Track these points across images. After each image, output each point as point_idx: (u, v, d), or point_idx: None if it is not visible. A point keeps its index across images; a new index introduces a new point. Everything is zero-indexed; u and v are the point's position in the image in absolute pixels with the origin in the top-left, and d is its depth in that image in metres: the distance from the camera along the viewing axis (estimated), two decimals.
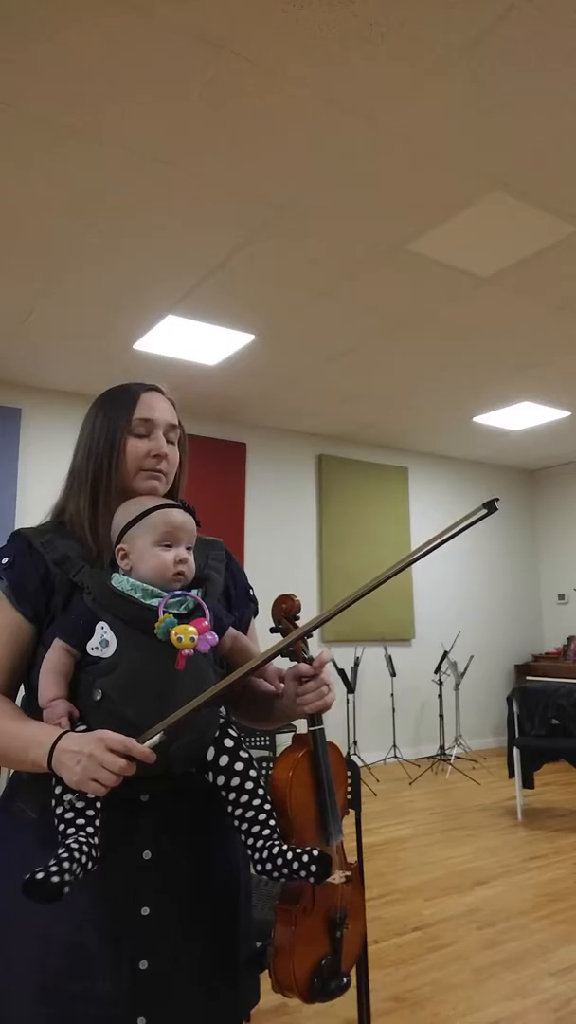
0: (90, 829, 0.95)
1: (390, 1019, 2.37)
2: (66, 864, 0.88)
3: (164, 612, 1.03)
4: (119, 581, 1.08)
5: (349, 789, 2.16)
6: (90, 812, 0.96)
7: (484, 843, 4.24)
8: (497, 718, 7.36)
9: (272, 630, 1.24)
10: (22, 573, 1.12)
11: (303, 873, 0.98)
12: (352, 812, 2.08)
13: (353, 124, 2.54)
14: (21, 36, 2.15)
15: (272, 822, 1.04)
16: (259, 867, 1.01)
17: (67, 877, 0.87)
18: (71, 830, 0.94)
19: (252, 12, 2.07)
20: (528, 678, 6.73)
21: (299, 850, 0.99)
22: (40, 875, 0.86)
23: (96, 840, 0.94)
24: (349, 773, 2.16)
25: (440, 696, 6.49)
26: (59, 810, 0.98)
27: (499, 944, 2.91)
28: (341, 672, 5.93)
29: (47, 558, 1.13)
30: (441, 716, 6.46)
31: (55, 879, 0.86)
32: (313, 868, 0.97)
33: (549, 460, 7.77)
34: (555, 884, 3.57)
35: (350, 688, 6.08)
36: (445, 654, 6.51)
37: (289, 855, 0.99)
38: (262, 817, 1.04)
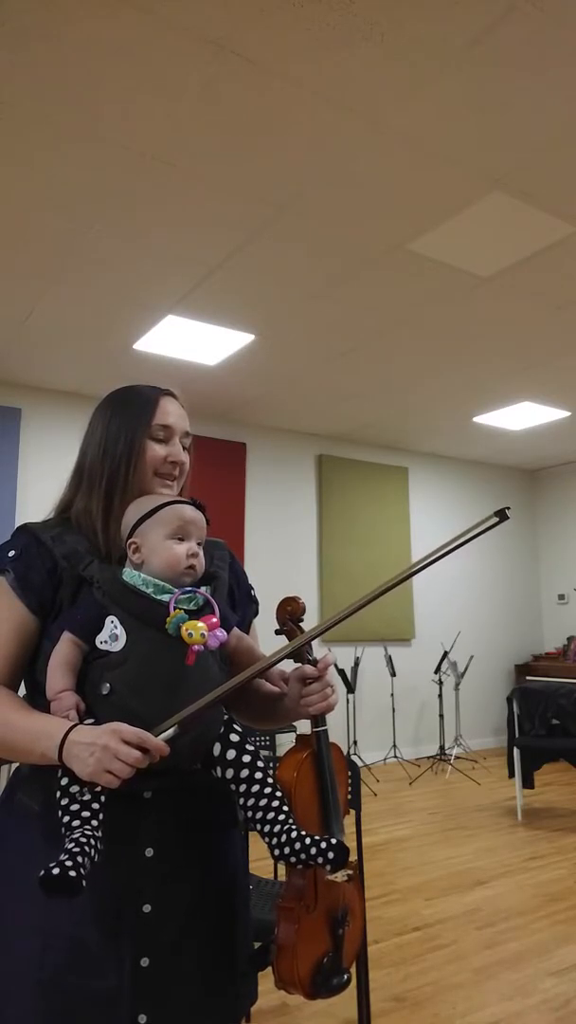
0: (95, 823, 0.95)
1: (390, 1019, 2.37)
2: (79, 858, 0.89)
3: (175, 608, 1.04)
4: (130, 576, 1.08)
5: (349, 790, 2.16)
6: (95, 805, 0.97)
7: (484, 843, 4.25)
8: (497, 718, 7.36)
9: (277, 632, 1.24)
10: (28, 566, 1.12)
11: (320, 860, 0.99)
12: (352, 812, 2.08)
13: (353, 124, 2.54)
14: (21, 36, 2.16)
15: (286, 807, 1.05)
16: (277, 852, 1.02)
17: (83, 871, 0.88)
18: (76, 822, 0.95)
19: (252, 12, 2.08)
20: (528, 678, 6.73)
21: (318, 837, 1.00)
22: (56, 870, 0.86)
23: (100, 834, 0.95)
24: (349, 773, 2.16)
25: (440, 696, 6.49)
26: (64, 802, 0.98)
27: (499, 944, 2.91)
28: (341, 672, 5.94)
29: (55, 552, 1.13)
30: (441, 716, 6.47)
31: (72, 873, 0.87)
32: (331, 855, 0.98)
33: (549, 460, 7.77)
34: (555, 884, 3.57)
35: (350, 688, 6.09)
36: (445, 654, 6.51)
37: (308, 840, 1.00)
38: (275, 804, 1.04)
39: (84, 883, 0.88)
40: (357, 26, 2.12)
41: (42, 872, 0.86)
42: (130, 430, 1.19)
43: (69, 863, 0.87)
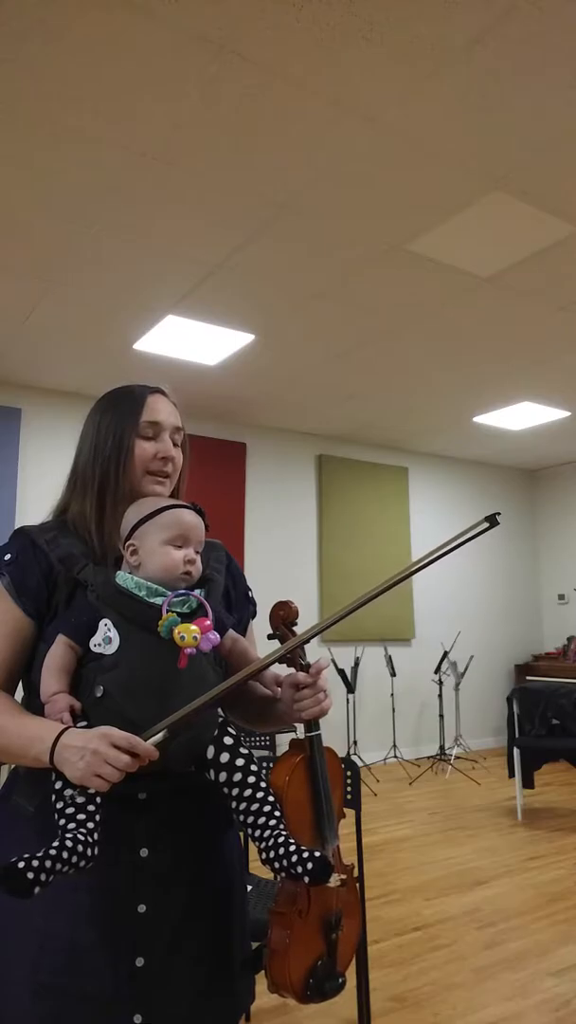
0: (91, 825, 0.95)
1: (390, 1019, 2.37)
2: (48, 863, 0.87)
3: (167, 611, 1.03)
4: (123, 579, 1.08)
5: (349, 790, 2.16)
6: (91, 807, 0.97)
7: (484, 843, 4.24)
8: (497, 718, 7.36)
9: (270, 636, 1.24)
10: (24, 569, 1.12)
11: (300, 871, 0.97)
12: (351, 813, 2.08)
13: (353, 124, 2.54)
14: (21, 36, 2.15)
15: (277, 813, 1.04)
16: (263, 857, 1.01)
17: (43, 877, 0.86)
18: (71, 825, 0.94)
19: (252, 12, 2.07)
20: (528, 678, 6.73)
21: (304, 848, 0.99)
22: (21, 864, 0.85)
23: (96, 836, 0.94)
24: (349, 773, 2.16)
25: (440, 696, 6.49)
26: (59, 805, 0.98)
27: (499, 944, 2.91)
28: (341, 672, 5.94)
29: (51, 555, 1.13)
30: (441, 716, 6.47)
31: (30, 875, 0.85)
32: (309, 867, 0.97)
33: (549, 460, 7.77)
34: (555, 884, 3.57)
35: (350, 688, 6.08)
36: (445, 654, 6.51)
37: (292, 848, 0.99)
38: (267, 809, 1.04)
39: (37, 890, 0.86)
40: (357, 26, 2.12)
41: (12, 860, 0.85)
42: (119, 429, 1.19)
43: (35, 864, 0.86)
